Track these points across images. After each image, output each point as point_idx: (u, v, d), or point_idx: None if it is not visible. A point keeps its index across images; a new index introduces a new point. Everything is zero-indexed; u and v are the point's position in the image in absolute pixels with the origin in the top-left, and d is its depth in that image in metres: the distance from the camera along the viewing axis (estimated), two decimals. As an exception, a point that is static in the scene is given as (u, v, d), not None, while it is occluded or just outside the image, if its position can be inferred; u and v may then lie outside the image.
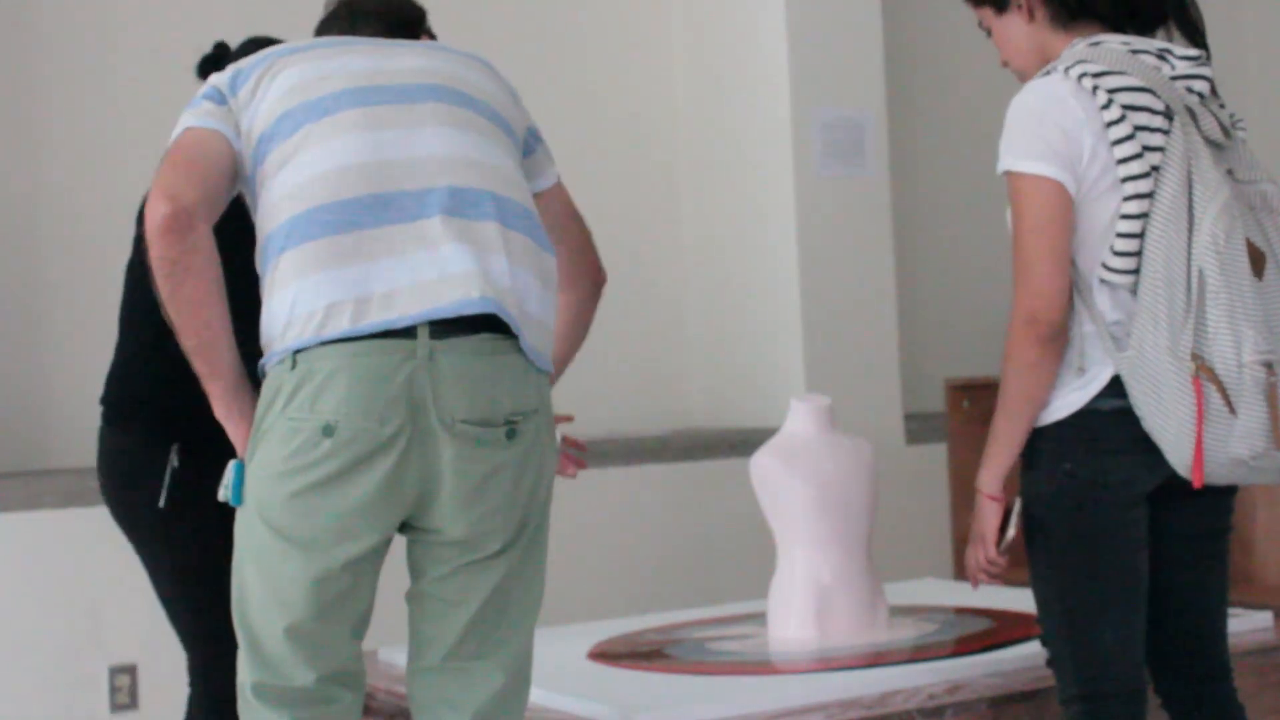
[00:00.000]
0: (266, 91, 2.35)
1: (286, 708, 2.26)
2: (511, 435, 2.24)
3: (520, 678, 2.35)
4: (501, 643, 2.31)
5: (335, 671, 2.28)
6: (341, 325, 2.18)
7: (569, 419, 2.92)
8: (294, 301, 2.21)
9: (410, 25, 2.72)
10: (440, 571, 2.29)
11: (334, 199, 2.25)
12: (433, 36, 2.80)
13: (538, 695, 2.80)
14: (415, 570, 2.33)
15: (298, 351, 2.20)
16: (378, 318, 2.18)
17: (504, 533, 2.28)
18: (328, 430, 2.18)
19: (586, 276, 2.65)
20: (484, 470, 2.23)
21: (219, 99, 2.37)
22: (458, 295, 2.20)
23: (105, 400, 3.12)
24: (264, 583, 2.24)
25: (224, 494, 2.28)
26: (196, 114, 2.35)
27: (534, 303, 2.28)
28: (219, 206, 2.33)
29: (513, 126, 2.44)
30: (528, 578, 2.33)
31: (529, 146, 2.50)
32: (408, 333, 2.19)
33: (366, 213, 2.24)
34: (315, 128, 2.30)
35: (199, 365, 2.29)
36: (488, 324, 2.23)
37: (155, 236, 2.22)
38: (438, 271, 2.21)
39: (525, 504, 2.29)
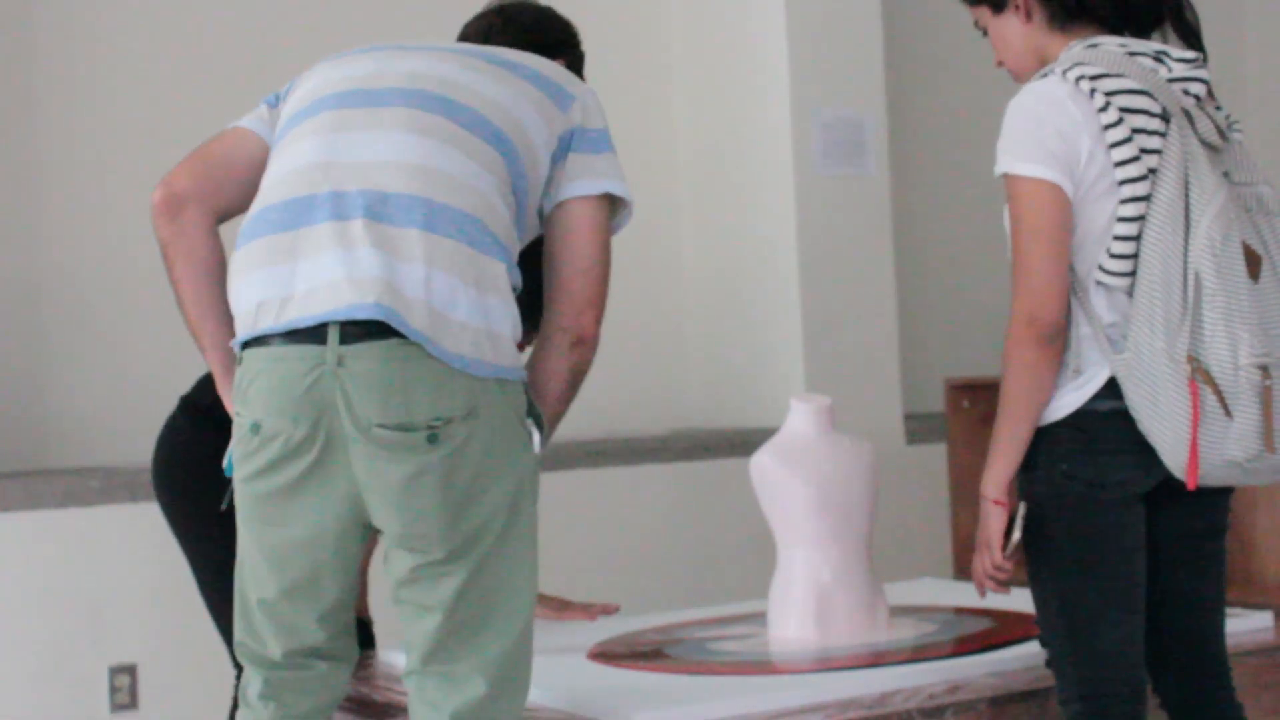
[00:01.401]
0: (289, 97, 2.46)
1: (261, 669, 2.37)
2: (433, 439, 2.20)
3: (505, 684, 2.31)
4: (482, 649, 2.28)
5: (302, 649, 2.35)
6: (267, 322, 2.24)
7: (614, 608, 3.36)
8: (238, 297, 2.29)
9: (547, 48, 2.72)
10: (400, 577, 2.29)
11: (281, 199, 2.30)
12: (573, 64, 2.83)
13: (538, 695, 2.80)
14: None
15: (244, 347, 2.28)
16: (293, 315, 2.22)
17: (446, 538, 2.23)
18: (254, 427, 2.25)
19: (554, 323, 2.44)
20: (405, 472, 2.20)
21: (273, 103, 2.50)
22: (353, 299, 2.19)
23: (199, 397, 3.10)
24: (244, 555, 2.35)
25: (226, 462, 2.37)
26: (248, 115, 2.50)
27: (463, 309, 2.22)
28: (225, 198, 2.44)
29: (509, 136, 2.38)
30: (509, 585, 2.29)
31: (558, 155, 2.44)
32: (319, 336, 2.20)
33: (305, 212, 2.27)
34: (296, 130, 2.37)
35: (196, 340, 2.45)
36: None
37: (152, 219, 2.42)
38: (345, 273, 2.21)
39: (462, 508, 2.23)
